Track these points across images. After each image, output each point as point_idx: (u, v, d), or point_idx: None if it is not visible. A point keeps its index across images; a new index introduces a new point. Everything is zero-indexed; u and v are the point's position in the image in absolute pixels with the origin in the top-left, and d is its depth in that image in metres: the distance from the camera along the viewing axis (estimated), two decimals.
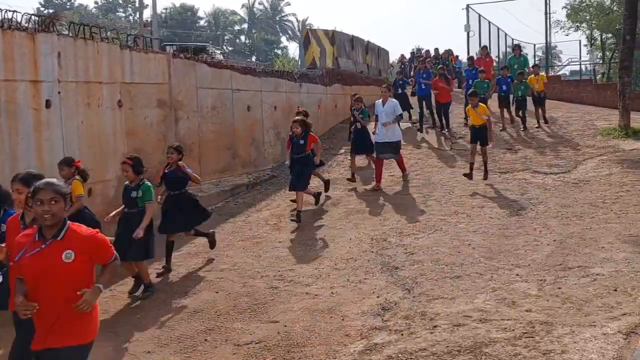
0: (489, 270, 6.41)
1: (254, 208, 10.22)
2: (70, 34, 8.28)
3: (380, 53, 23.12)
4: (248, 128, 12.47)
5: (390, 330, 5.09)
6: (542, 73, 15.40)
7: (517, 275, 6.20)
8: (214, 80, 11.38)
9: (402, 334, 4.96)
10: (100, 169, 8.53)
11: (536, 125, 15.01)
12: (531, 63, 18.26)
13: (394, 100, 11.07)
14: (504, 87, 15.14)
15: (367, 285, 6.28)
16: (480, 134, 10.91)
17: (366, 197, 10.59)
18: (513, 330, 4.80)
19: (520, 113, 15.14)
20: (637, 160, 11.42)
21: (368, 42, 21.36)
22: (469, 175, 10.90)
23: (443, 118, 15.29)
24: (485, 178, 10.85)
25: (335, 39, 18.08)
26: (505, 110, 15.43)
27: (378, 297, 5.91)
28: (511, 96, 15.36)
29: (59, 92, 7.81)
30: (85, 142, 8.26)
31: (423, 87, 15.49)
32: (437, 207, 9.56)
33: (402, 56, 25.20)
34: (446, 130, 15.22)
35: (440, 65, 16.63)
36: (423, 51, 25.95)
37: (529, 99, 15.33)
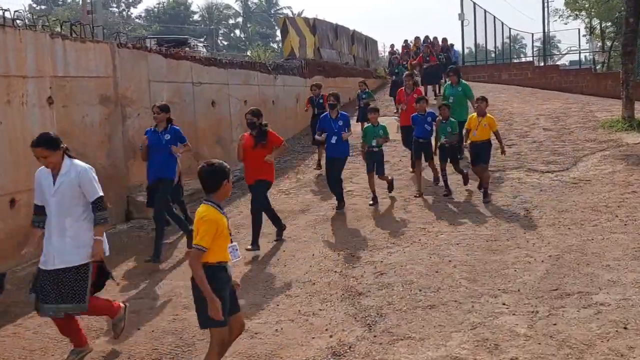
0: (470, 297, 5.27)
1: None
2: None
3: (368, 43, 21.91)
4: (213, 125, 11.32)
5: None
6: (490, 115, 8.91)
7: (504, 304, 5.06)
8: (171, 73, 10.21)
9: None
10: (26, 177, 7.36)
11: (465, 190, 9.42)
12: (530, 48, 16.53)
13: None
14: (423, 129, 9.24)
15: (321, 319, 5.14)
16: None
17: None
18: None
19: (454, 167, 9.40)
20: None
21: (354, 31, 20.17)
22: None
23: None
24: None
25: (316, 28, 16.91)
26: (425, 163, 9.61)
27: (331, 336, 4.77)
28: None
29: None
30: (5, 145, 7.10)
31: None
32: (418, 213, 8.43)
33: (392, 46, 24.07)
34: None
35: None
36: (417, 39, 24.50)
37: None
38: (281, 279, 6.21)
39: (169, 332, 5.12)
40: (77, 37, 8.28)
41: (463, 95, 10.55)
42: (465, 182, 9.43)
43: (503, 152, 9.14)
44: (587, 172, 9.88)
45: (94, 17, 9.55)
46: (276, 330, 4.99)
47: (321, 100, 11.45)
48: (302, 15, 70.66)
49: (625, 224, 7.07)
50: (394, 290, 5.63)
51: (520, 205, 8.40)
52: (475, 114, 8.87)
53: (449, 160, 9.25)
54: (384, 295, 5.54)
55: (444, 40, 19.11)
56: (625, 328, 4.38)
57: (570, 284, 5.38)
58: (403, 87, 11.21)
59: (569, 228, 7.17)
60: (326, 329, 4.92)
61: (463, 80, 10.69)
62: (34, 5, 68.82)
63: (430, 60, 16.47)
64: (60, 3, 71.49)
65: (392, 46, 23.31)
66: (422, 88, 12.23)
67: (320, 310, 5.33)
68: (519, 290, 5.33)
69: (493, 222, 7.68)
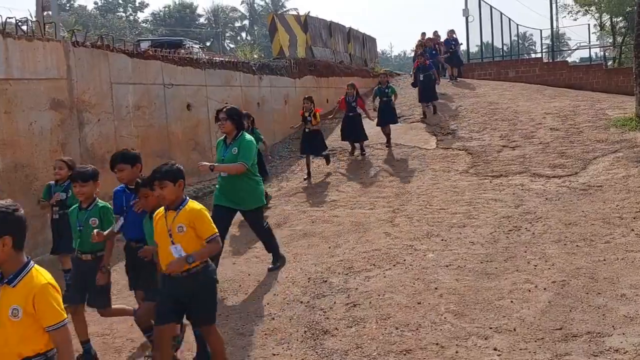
0: (455, 339, 4.33)
1: None
2: None
3: (366, 41, 20.95)
4: (189, 130, 10.43)
5: None
6: (195, 204, 3.86)
7: (495, 350, 4.10)
8: (138, 74, 9.32)
9: None
10: None
11: None
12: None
13: None
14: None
15: None
16: None
17: (322, 213, 8.52)
18: None
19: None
20: None
21: (350, 28, 19.22)
22: None
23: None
24: None
25: (308, 25, 15.99)
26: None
27: None
28: None
29: None
30: None
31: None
32: (407, 227, 7.49)
33: (423, 34, 20.74)
34: None
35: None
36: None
37: None
38: (238, 312, 5.29)
39: None
40: (23, 34, 7.41)
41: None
42: None
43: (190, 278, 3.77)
44: (598, 176, 8.89)
45: (46, 14, 8.65)
46: None
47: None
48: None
49: None
50: (366, 327, 4.70)
51: (522, 217, 7.44)
52: (161, 210, 3.89)
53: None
54: (354, 334, 4.60)
55: (431, 54, 15.82)
56: None
57: (578, 320, 4.42)
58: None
59: (577, 245, 6.20)
60: None
61: (257, 129, 6.48)
62: (49, 13, 68.29)
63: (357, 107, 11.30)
64: (67, 8, 71.16)
65: (423, 35, 18.95)
66: None
67: (274, 355, 4.41)
68: (514, 330, 4.37)
69: (490, 238, 6.72)
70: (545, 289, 5.10)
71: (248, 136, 5.95)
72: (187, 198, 3.86)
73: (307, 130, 10.40)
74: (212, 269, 3.91)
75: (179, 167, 3.82)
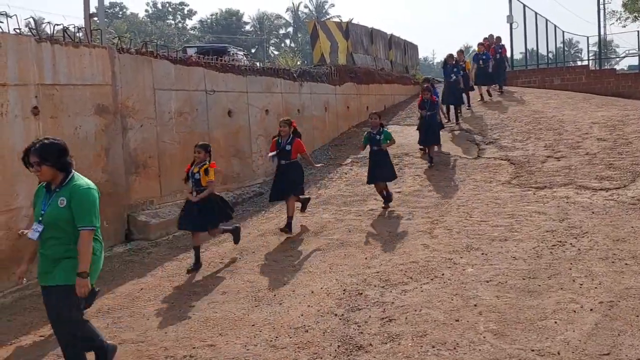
0: None
1: (216, 238, 8.20)
2: None
3: (407, 48, 20.76)
4: (229, 136, 10.50)
5: None
6: None
7: None
8: (181, 80, 9.44)
9: None
10: (6, 195, 6.71)
11: None
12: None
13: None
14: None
15: None
16: None
17: (359, 222, 8.42)
18: None
19: None
20: None
21: (391, 35, 19.09)
22: None
23: None
24: None
25: (350, 32, 15.94)
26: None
27: None
28: None
29: None
30: None
31: None
32: (446, 239, 7.32)
33: (485, 39, 19.12)
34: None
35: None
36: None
37: None
38: (272, 323, 5.24)
39: None
40: (70, 41, 7.59)
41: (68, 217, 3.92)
42: None
43: None
44: None
45: (93, 21, 8.84)
46: None
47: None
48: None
49: None
50: (401, 344, 4.58)
51: (567, 231, 7.18)
52: None
53: None
54: (388, 351, 4.49)
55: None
56: None
57: (627, 346, 4.20)
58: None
59: (625, 263, 5.93)
60: None
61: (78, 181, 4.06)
62: (95, 19, 70.28)
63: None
64: (119, 15, 73.23)
65: (485, 39, 18.25)
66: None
67: None
68: (558, 353, 4.18)
69: (533, 253, 6.49)
70: (591, 309, 4.88)
71: (83, 180, 4.05)
72: None
73: (193, 192, 6.95)
74: None
75: None
